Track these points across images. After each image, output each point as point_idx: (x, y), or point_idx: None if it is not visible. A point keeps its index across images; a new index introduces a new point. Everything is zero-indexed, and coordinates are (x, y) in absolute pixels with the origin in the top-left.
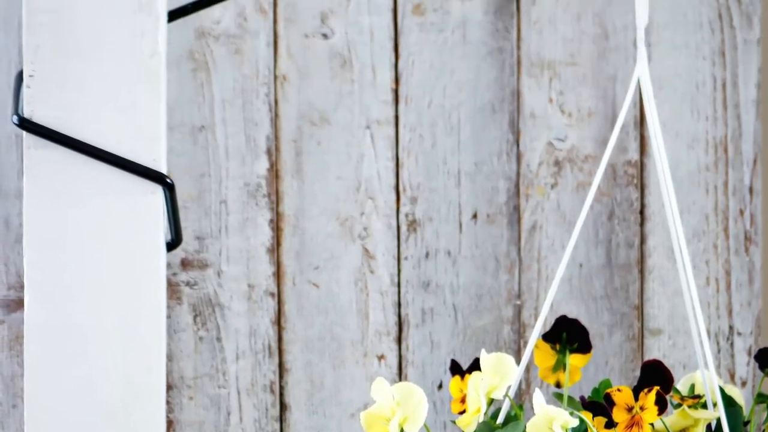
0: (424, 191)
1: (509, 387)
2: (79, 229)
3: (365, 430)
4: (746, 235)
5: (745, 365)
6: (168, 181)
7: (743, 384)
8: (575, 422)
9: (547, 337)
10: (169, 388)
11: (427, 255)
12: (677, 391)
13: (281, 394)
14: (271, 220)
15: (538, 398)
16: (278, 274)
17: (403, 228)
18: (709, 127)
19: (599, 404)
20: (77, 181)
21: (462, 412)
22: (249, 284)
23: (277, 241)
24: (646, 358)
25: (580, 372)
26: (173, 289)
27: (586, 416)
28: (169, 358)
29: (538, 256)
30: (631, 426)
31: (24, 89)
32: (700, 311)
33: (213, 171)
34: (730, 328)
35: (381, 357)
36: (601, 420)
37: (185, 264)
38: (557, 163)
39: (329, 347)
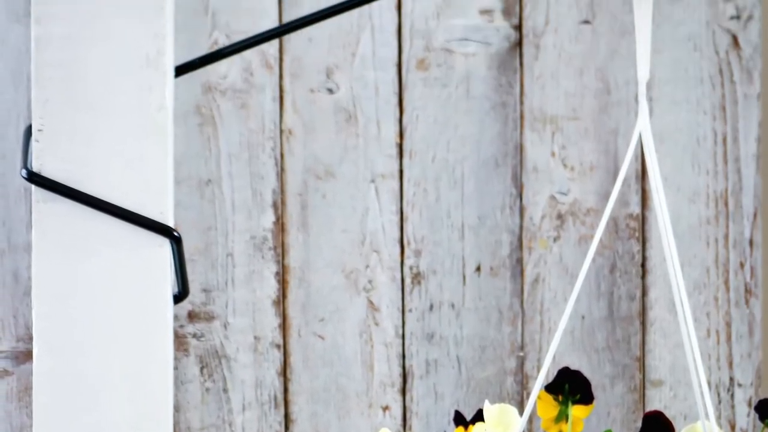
0: (428, 244)
1: None
2: (87, 282)
3: None
4: (746, 288)
5: (745, 416)
6: (175, 234)
7: None
8: None
9: (550, 388)
10: None
11: (431, 307)
12: None
13: None
14: (277, 273)
15: None
16: (284, 326)
17: (408, 280)
18: (709, 181)
19: None
20: (85, 234)
21: None
22: (255, 336)
23: (282, 294)
24: (648, 409)
25: (583, 423)
26: (180, 341)
27: None
28: (176, 409)
29: (541, 309)
30: None
31: (33, 143)
32: (701, 363)
33: (220, 224)
34: (731, 379)
35: (386, 408)
36: None
37: (192, 316)
38: (560, 216)
39: (334, 398)
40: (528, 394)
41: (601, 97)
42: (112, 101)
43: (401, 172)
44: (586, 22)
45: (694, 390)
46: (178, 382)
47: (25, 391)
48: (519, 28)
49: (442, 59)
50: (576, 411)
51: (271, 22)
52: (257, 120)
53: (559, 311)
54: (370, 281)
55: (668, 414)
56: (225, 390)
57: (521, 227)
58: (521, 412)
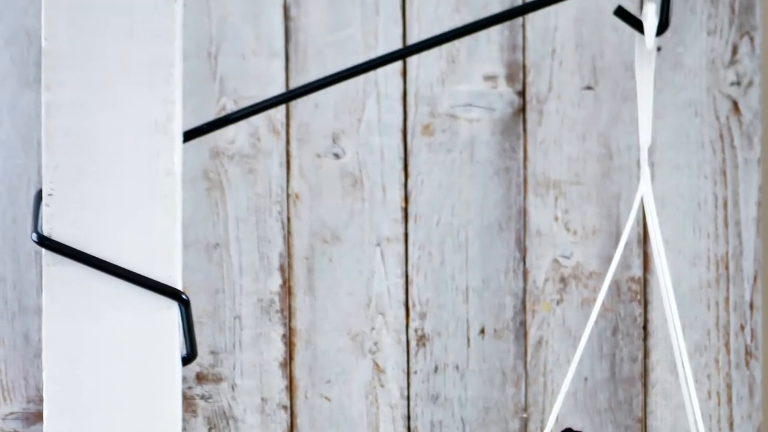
0: (433, 307)
1: None
2: (96, 344)
3: None
4: (747, 350)
5: None
6: (183, 297)
7: None
8: None
9: None
10: None
11: (436, 369)
12: None
13: None
14: (284, 335)
15: None
16: (291, 388)
17: (413, 343)
18: (710, 245)
19: None
20: (95, 297)
21: None
22: (262, 398)
23: (289, 356)
24: None
25: None
26: (188, 402)
27: None
28: None
29: (544, 370)
30: None
31: (43, 208)
32: (702, 424)
33: (227, 287)
34: None
35: None
36: None
37: (200, 378)
38: (563, 279)
39: None
40: None
41: (603, 162)
42: (121, 166)
43: (406, 235)
44: (589, 88)
45: None
46: None
47: None
48: (522, 94)
49: (447, 125)
50: None
51: (278, 88)
52: (264, 184)
53: (562, 373)
54: (375, 343)
55: None
56: None
57: (525, 290)
58: None
